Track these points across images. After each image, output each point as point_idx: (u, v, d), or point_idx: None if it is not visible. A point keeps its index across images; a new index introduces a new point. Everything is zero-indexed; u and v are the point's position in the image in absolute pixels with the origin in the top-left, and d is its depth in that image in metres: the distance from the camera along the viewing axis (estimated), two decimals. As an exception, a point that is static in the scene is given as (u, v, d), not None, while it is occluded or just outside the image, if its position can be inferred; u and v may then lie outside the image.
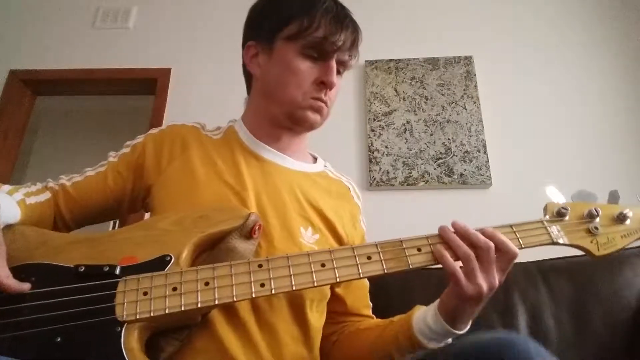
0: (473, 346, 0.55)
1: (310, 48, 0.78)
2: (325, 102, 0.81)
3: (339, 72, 0.82)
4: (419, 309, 0.70)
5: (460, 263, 0.61)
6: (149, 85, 2.19)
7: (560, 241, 0.66)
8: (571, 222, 0.68)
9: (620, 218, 0.68)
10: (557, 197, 0.72)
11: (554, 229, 0.67)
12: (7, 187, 0.73)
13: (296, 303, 0.71)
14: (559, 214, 0.68)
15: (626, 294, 1.19)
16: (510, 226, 0.66)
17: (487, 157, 1.90)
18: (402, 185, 1.89)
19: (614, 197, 0.71)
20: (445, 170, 1.90)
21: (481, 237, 0.61)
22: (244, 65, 0.88)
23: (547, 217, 0.69)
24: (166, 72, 2.19)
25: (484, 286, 0.59)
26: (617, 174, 1.88)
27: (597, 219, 0.68)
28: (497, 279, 0.61)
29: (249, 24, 0.88)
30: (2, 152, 2.16)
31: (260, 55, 0.83)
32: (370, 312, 0.87)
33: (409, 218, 1.83)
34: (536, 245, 0.65)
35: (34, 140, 3.38)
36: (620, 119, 1.99)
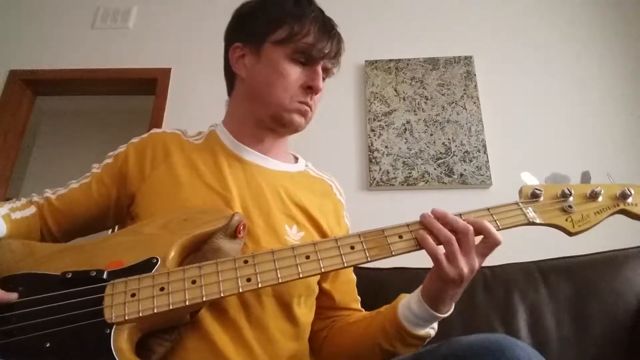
0: (458, 349, 0.56)
1: (299, 53, 0.80)
2: (310, 107, 0.83)
3: (323, 79, 0.84)
4: (403, 297, 0.72)
5: (442, 248, 0.64)
6: (149, 85, 2.19)
7: (537, 221, 0.68)
8: (545, 203, 0.70)
9: (593, 195, 0.70)
10: (531, 180, 0.73)
11: (529, 210, 0.69)
12: None
13: (283, 300, 0.73)
14: (534, 195, 0.70)
15: (626, 294, 1.19)
16: (487, 209, 0.68)
17: (487, 157, 1.90)
18: (402, 185, 1.89)
19: (586, 178, 0.74)
20: (445, 170, 1.90)
21: (460, 221, 0.64)
22: (228, 66, 0.89)
23: (522, 199, 0.70)
24: (166, 72, 2.19)
25: (465, 269, 0.62)
26: (617, 173, 1.87)
27: (571, 198, 0.70)
28: (477, 262, 0.63)
29: (235, 26, 0.89)
30: (2, 152, 2.16)
31: (247, 57, 0.84)
32: (359, 306, 0.89)
33: (409, 218, 1.81)
34: (513, 226, 0.67)
35: (34, 140, 3.38)
36: (620, 119, 1.99)
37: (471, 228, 0.63)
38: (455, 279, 0.62)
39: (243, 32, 0.86)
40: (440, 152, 1.93)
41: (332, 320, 0.85)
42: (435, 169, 1.90)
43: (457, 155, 1.92)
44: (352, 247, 0.64)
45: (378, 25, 2.19)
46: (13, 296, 0.59)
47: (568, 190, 0.70)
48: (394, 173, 1.90)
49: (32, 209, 0.79)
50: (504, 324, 1.18)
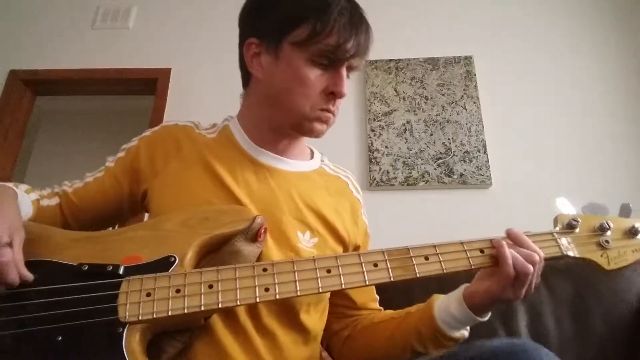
0: (484, 352, 0.56)
1: (321, 56, 0.72)
2: (332, 112, 0.77)
3: (347, 77, 0.77)
4: (437, 298, 0.71)
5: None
6: (149, 85, 2.19)
7: (570, 254, 0.66)
8: (582, 235, 0.67)
9: (632, 232, 0.67)
10: (568, 208, 0.72)
11: (564, 241, 0.67)
12: (24, 186, 0.75)
13: (291, 309, 0.71)
14: (570, 226, 0.67)
15: (626, 294, 1.19)
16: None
17: (487, 157, 1.90)
18: (402, 185, 1.89)
19: (626, 211, 0.70)
20: (445, 170, 1.90)
21: (534, 248, 0.63)
22: (242, 61, 0.81)
23: (558, 228, 0.68)
24: (166, 72, 2.19)
25: (523, 293, 0.63)
26: (617, 173, 1.88)
27: (609, 232, 0.67)
28: (534, 285, 0.64)
29: (249, 17, 0.81)
30: (2, 152, 2.16)
31: (264, 56, 0.77)
32: (377, 305, 0.87)
33: (409, 218, 1.83)
34: (546, 258, 0.65)
35: (34, 140, 3.38)
36: (620, 119, 1.99)
37: (541, 255, 0.63)
38: (510, 300, 0.63)
39: (258, 27, 0.77)
40: (440, 152, 1.93)
41: (353, 320, 0.84)
42: (435, 169, 1.90)
43: (457, 155, 1.92)
44: (376, 265, 0.62)
45: (378, 25, 2.17)
46: (30, 276, 0.59)
47: (607, 224, 0.67)
48: (394, 173, 1.90)
49: (57, 200, 0.79)
50: (504, 324, 1.18)
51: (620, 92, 2.04)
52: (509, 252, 0.62)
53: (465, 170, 1.89)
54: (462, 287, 0.69)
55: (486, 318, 0.67)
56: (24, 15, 2.38)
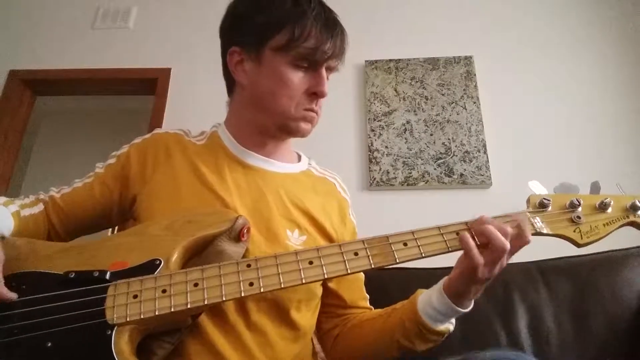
0: None
1: (301, 59, 0.76)
2: (316, 112, 0.80)
3: (327, 78, 0.81)
4: (421, 292, 0.72)
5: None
6: (149, 85, 2.19)
7: (544, 231, 0.67)
8: (553, 213, 0.69)
9: (602, 207, 0.69)
10: (540, 189, 0.73)
11: (537, 220, 0.68)
12: (2, 199, 0.75)
13: (282, 305, 0.72)
14: (542, 205, 0.70)
15: (626, 294, 1.19)
16: (495, 218, 0.68)
17: (487, 157, 1.90)
18: (402, 185, 1.89)
19: (595, 188, 0.72)
20: (445, 170, 1.90)
21: (506, 228, 0.63)
22: (226, 69, 0.85)
23: (530, 208, 0.70)
24: (166, 72, 2.19)
25: (497, 270, 0.63)
26: (618, 173, 1.88)
27: (579, 209, 0.69)
28: (505, 262, 0.63)
29: (230, 26, 0.84)
30: (2, 152, 2.16)
31: (247, 63, 0.80)
32: (367, 304, 0.88)
33: (409, 218, 1.83)
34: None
35: (34, 140, 3.39)
36: (621, 119, 1.99)
37: (510, 230, 0.63)
38: (486, 279, 0.63)
39: (240, 35, 0.81)
40: (440, 152, 1.93)
41: (342, 319, 0.85)
42: (435, 169, 1.90)
43: (457, 155, 1.92)
44: (356, 254, 0.64)
45: (378, 25, 2.19)
46: (13, 295, 0.59)
47: (577, 200, 0.69)
48: (394, 173, 1.90)
49: (40, 207, 0.79)
50: (504, 324, 1.18)
51: (621, 93, 2.04)
52: (466, 234, 0.64)
53: (465, 170, 1.89)
54: (445, 278, 0.70)
55: (468, 309, 0.67)
56: (24, 15, 2.38)
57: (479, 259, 0.62)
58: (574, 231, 0.68)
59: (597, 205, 0.69)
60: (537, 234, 0.67)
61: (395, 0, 2.27)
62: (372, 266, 0.63)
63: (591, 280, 1.22)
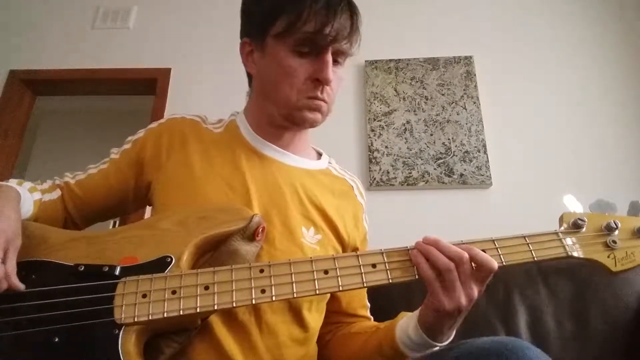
0: (473, 350, 0.55)
1: (302, 44, 0.72)
2: (323, 99, 0.76)
3: (338, 62, 0.76)
4: (402, 316, 0.68)
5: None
6: (149, 85, 2.19)
7: (575, 254, 0.63)
8: (588, 235, 0.64)
9: None
10: (574, 206, 0.69)
11: (569, 241, 0.64)
12: (28, 185, 0.75)
13: (295, 305, 0.71)
14: (575, 225, 0.64)
15: (626, 294, 1.19)
16: (524, 237, 0.63)
17: (487, 157, 1.90)
18: (402, 185, 1.89)
19: (634, 209, 0.67)
20: (445, 170, 1.90)
21: (453, 248, 0.59)
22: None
23: (563, 227, 0.65)
24: (166, 72, 2.19)
25: (463, 299, 0.57)
26: (618, 173, 1.88)
27: (616, 232, 0.64)
28: (475, 291, 0.58)
29: (242, 19, 0.83)
30: (2, 152, 2.16)
31: (255, 53, 0.79)
32: (367, 313, 0.86)
33: (409, 218, 1.83)
34: (550, 258, 0.62)
35: (34, 140, 3.39)
36: (621, 119, 1.99)
37: (466, 254, 0.57)
38: (452, 312, 0.57)
39: (247, 26, 0.81)
40: (440, 152, 1.93)
41: (336, 326, 0.83)
42: (435, 169, 1.90)
43: (457, 155, 1.92)
44: (374, 266, 0.61)
45: (378, 25, 2.19)
46: (22, 286, 0.59)
47: (614, 223, 0.63)
48: (394, 173, 1.90)
49: (58, 192, 0.79)
50: (504, 324, 1.18)
51: (621, 92, 2.04)
52: (418, 257, 0.59)
53: (465, 170, 1.89)
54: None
55: (445, 343, 0.62)
56: (24, 15, 2.38)
57: (433, 278, 0.58)
58: (608, 257, 0.62)
59: (636, 230, 0.64)
60: (568, 257, 0.63)
61: (396, 1, 2.27)
62: (390, 281, 0.60)
63: (591, 280, 1.22)
